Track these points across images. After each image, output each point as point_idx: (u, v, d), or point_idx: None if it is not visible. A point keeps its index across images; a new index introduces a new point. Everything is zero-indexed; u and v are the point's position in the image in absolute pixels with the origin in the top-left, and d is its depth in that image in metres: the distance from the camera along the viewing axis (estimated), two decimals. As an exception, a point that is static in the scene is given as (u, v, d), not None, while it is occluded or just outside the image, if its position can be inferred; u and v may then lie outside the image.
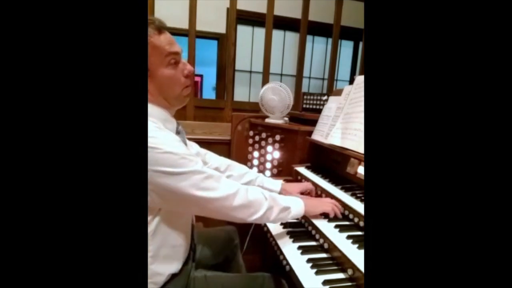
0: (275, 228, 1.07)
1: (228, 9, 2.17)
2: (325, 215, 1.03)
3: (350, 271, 0.77)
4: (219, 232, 1.25)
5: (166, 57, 0.80)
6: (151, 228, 0.78)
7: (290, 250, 0.92)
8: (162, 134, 0.75)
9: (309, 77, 4.19)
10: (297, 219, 1.13)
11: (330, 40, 2.46)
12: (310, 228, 1.03)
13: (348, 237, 0.88)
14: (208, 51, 3.73)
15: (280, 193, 1.20)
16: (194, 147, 1.17)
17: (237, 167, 1.23)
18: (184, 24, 1.92)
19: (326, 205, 1.01)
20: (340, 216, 1.00)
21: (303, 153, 1.55)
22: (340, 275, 0.80)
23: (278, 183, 1.24)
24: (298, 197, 1.01)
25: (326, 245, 0.91)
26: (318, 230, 0.97)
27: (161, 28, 0.80)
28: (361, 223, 0.93)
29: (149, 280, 0.78)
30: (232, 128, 1.81)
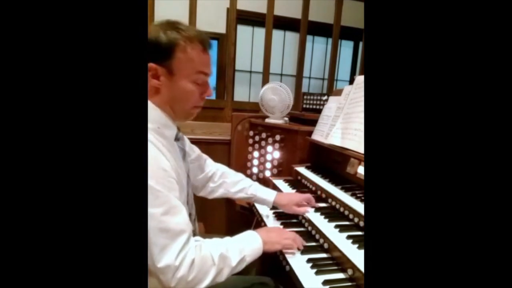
0: (275, 228, 1.07)
1: (228, 9, 2.17)
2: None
3: (350, 271, 0.77)
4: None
5: (196, 73, 0.80)
6: None
7: (290, 250, 0.92)
8: (151, 159, 0.69)
9: (309, 77, 4.19)
10: (296, 218, 1.14)
11: (330, 40, 2.46)
12: (310, 228, 1.03)
13: (348, 237, 0.88)
14: (208, 51, 3.72)
15: (273, 205, 1.15)
16: (196, 150, 1.16)
17: (231, 175, 1.19)
18: (184, 24, 1.92)
19: (285, 240, 0.90)
20: (301, 248, 0.91)
21: (303, 153, 1.55)
22: (340, 275, 0.80)
23: (272, 194, 1.15)
24: (256, 233, 0.88)
25: (326, 245, 0.91)
26: (318, 230, 0.97)
27: (207, 47, 0.81)
28: (361, 223, 0.93)
29: None
30: (232, 128, 1.81)
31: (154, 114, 0.80)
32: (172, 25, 0.78)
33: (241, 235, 0.87)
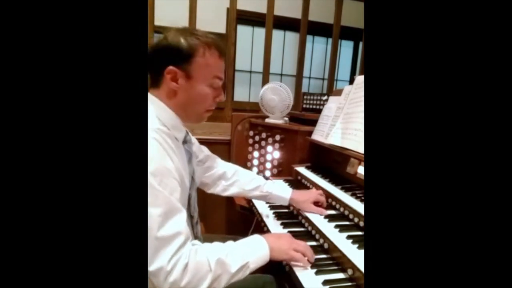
0: (275, 228, 1.07)
1: (228, 9, 2.17)
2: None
3: (350, 271, 0.77)
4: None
5: (213, 78, 0.84)
6: None
7: (290, 250, 0.92)
8: (156, 158, 0.70)
9: (309, 77, 4.19)
10: (297, 218, 1.14)
11: (330, 40, 2.46)
12: (310, 228, 1.03)
13: (348, 237, 0.88)
14: (208, 51, 3.72)
15: (289, 202, 1.15)
16: (204, 151, 1.17)
17: (243, 173, 1.21)
18: (184, 24, 1.90)
19: (294, 252, 0.83)
20: (312, 260, 0.84)
21: (303, 153, 1.55)
22: (340, 275, 0.79)
23: (288, 191, 1.15)
24: (263, 239, 0.83)
25: (326, 245, 0.91)
26: (318, 230, 0.97)
27: (223, 53, 0.85)
28: (361, 223, 0.93)
29: None
30: (232, 128, 1.81)
31: (166, 116, 0.81)
32: (190, 31, 0.83)
33: (247, 239, 0.83)
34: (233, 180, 1.18)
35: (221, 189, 1.19)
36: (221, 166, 1.20)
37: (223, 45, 0.86)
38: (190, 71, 0.80)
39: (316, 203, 1.11)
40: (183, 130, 0.89)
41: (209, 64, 0.82)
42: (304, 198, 1.12)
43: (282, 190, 1.17)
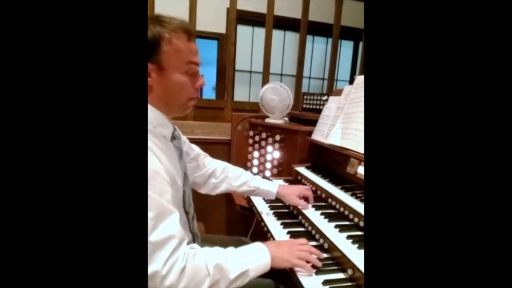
0: (275, 228, 1.07)
1: (228, 9, 2.17)
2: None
3: (350, 271, 0.77)
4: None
5: (186, 64, 0.79)
6: None
7: (290, 250, 0.92)
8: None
9: (309, 77, 4.19)
10: (297, 218, 1.14)
11: (330, 40, 2.46)
12: (310, 228, 1.03)
13: (348, 237, 0.88)
14: (208, 51, 3.72)
15: (276, 196, 1.17)
16: (195, 149, 1.17)
17: (232, 169, 1.21)
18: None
19: (297, 259, 0.80)
20: (319, 265, 0.82)
21: (303, 153, 1.55)
22: (340, 275, 0.79)
23: (275, 185, 1.17)
24: (264, 246, 0.81)
25: (326, 245, 0.91)
26: (318, 230, 0.97)
27: (191, 35, 0.80)
28: (361, 223, 0.93)
29: None
30: (232, 128, 1.81)
31: (149, 113, 0.79)
32: (155, 19, 0.77)
33: (248, 246, 0.81)
34: (222, 177, 1.18)
35: (211, 187, 1.18)
36: (211, 164, 1.19)
37: (190, 27, 0.80)
38: (160, 62, 0.75)
39: (306, 198, 1.14)
40: (170, 127, 0.86)
41: (179, 50, 0.77)
42: (290, 192, 1.15)
43: (269, 185, 1.17)
